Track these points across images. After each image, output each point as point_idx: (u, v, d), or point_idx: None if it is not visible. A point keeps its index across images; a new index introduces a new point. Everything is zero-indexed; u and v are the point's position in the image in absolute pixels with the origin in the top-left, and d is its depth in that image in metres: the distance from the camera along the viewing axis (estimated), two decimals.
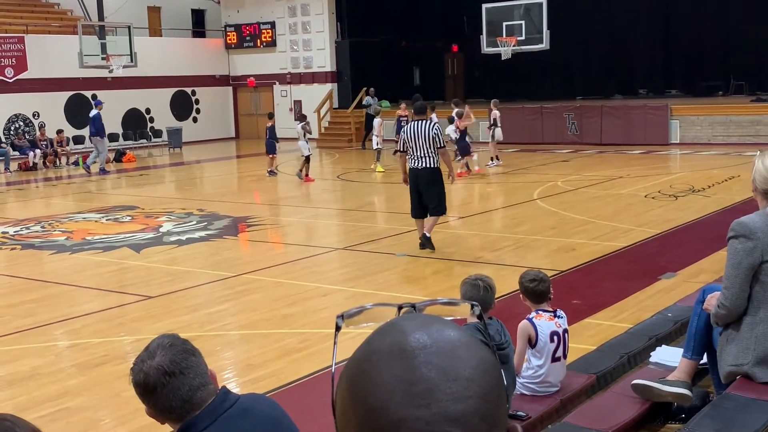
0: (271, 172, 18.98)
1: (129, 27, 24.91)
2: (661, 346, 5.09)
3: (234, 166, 23.57)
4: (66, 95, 25.96)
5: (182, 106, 29.67)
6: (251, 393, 2.40)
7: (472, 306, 0.92)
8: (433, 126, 9.49)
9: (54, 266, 10.14)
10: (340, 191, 16.85)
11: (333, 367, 0.88)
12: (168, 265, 9.80)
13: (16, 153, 22.78)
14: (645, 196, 13.27)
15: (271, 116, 19.69)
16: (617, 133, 22.27)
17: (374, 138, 19.39)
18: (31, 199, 17.57)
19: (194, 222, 12.76)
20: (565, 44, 25.28)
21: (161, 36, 30.39)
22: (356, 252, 10.14)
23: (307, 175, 17.55)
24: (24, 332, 7.19)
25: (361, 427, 0.76)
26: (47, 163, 22.89)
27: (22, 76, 24.90)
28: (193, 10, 32.19)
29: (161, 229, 12.20)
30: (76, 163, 23.09)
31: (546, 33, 22.54)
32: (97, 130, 20.85)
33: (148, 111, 28.44)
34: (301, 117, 18.70)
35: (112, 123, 25.01)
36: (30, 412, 5.19)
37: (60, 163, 23.29)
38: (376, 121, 19.60)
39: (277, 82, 30.15)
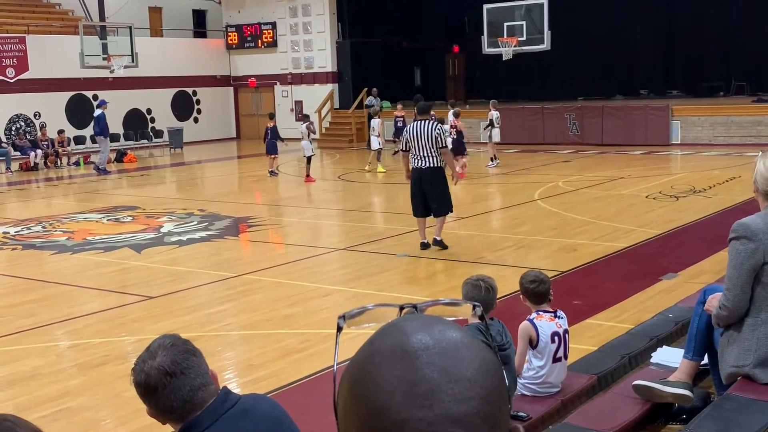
0: (272, 173, 18.99)
1: (130, 27, 24.93)
2: (662, 346, 5.09)
3: (235, 166, 23.58)
4: (67, 95, 25.97)
5: (183, 107, 29.68)
6: (252, 393, 2.40)
7: (474, 307, 0.91)
8: (436, 126, 9.52)
9: (55, 266, 10.15)
10: (340, 191, 16.86)
11: (335, 368, 0.88)
12: (169, 265, 9.80)
13: (17, 153, 22.79)
14: (646, 197, 13.27)
15: (272, 117, 19.69)
16: (618, 133, 22.27)
17: (373, 138, 19.38)
18: (32, 199, 17.57)
19: (195, 222, 12.77)
20: (566, 45, 25.26)
21: (162, 36, 30.40)
22: (357, 252, 10.14)
23: (308, 175, 17.56)
24: (25, 332, 7.19)
25: (363, 428, 0.76)
26: (48, 164, 22.91)
27: (24, 76, 24.90)
28: (194, 11, 32.22)
29: (162, 230, 12.21)
30: (77, 164, 23.12)
31: (547, 33, 22.54)
32: (102, 129, 20.92)
33: (149, 111, 28.45)
34: (304, 117, 18.70)
35: (114, 123, 24.98)
36: (31, 412, 5.19)
37: (61, 163, 23.31)
38: (376, 121, 19.57)
39: (278, 83, 30.16)
